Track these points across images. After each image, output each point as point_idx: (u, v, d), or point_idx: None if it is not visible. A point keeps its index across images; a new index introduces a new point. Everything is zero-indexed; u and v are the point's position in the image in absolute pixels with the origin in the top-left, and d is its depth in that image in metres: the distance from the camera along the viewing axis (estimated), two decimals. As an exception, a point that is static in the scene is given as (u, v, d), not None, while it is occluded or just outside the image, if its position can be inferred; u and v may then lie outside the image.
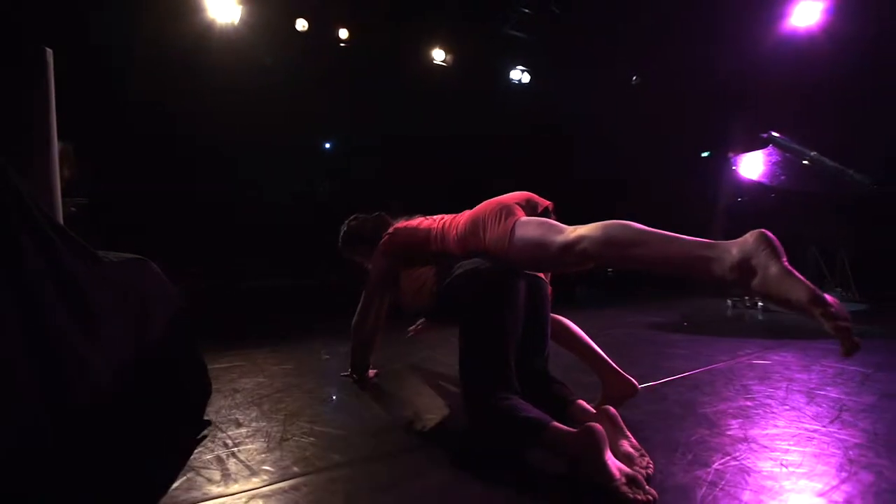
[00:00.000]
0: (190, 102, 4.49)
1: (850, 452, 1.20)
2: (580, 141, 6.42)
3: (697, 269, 1.04)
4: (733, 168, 4.04)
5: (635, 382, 1.50)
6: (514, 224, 1.37)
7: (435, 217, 1.77)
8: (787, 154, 3.80)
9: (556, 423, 1.14)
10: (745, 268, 0.96)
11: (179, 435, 1.42)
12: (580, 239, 1.20)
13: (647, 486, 0.99)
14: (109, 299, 1.25)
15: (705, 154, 7.18)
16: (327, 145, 6.99)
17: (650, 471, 1.09)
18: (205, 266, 4.98)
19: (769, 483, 1.06)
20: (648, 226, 1.15)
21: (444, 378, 2.04)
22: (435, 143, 5.92)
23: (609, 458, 1.03)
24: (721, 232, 5.48)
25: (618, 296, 4.92)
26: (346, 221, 2.07)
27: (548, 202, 1.53)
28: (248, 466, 1.24)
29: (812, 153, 3.75)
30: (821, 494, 1.01)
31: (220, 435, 1.44)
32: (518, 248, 1.34)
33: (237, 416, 1.59)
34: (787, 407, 1.55)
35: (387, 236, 1.79)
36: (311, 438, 1.41)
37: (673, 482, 1.07)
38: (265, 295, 5.34)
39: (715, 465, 1.15)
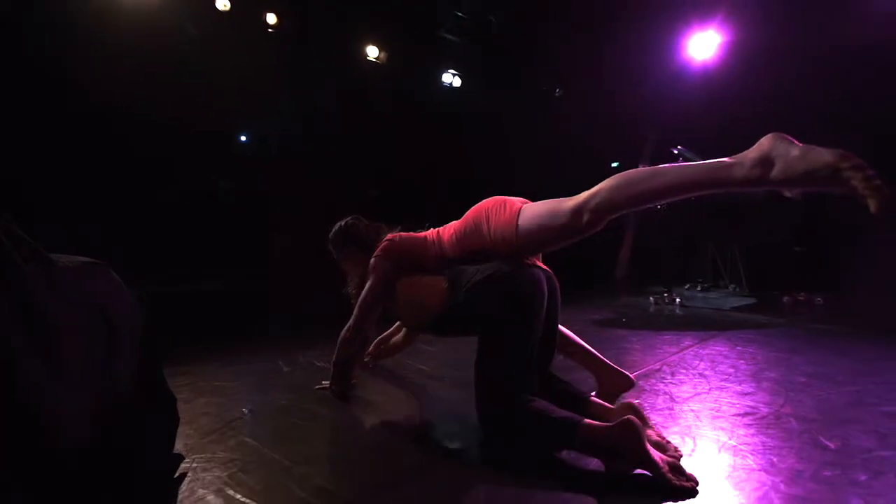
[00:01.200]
0: (86, 72, 3.81)
1: (805, 424, 1.39)
2: (503, 147, 6.70)
3: (721, 178, 1.07)
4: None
5: (631, 376, 1.60)
6: (521, 207, 1.42)
7: (426, 232, 1.74)
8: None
9: (588, 420, 1.17)
10: (766, 161, 1.02)
11: (156, 477, 1.20)
12: (593, 195, 1.24)
13: (687, 472, 1.06)
14: (71, 317, 1.01)
15: (615, 165, 7.95)
16: (243, 138, 6.43)
17: (679, 456, 1.17)
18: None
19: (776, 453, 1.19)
20: None
21: (426, 382, 1.99)
22: (360, 142, 5.75)
23: (651, 448, 1.08)
24: (631, 238, 6.11)
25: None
26: (344, 219, 1.96)
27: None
28: (250, 501, 1.08)
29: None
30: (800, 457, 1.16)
31: (204, 471, 1.24)
32: (527, 227, 1.36)
33: (213, 448, 1.39)
34: (743, 389, 1.76)
35: (386, 242, 1.71)
36: (309, 463, 1.27)
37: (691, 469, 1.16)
38: (171, 301, 4.74)
39: (716, 447, 1.26)
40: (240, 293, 4.94)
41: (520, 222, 1.38)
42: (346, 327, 1.76)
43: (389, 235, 1.75)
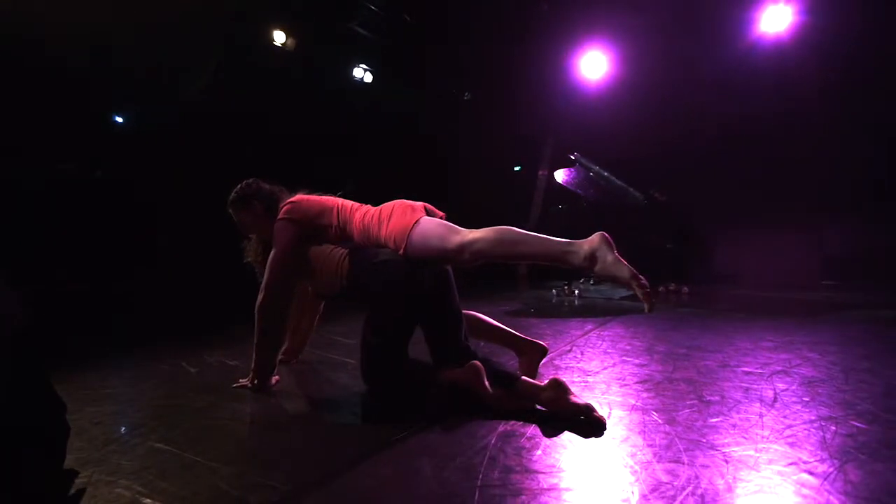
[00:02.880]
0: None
1: (691, 385, 1.66)
2: (410, 145, 6.79)
3: (562, 259, 1.43)
4: (557, 181, 4.91)
5: (544, 344, 1.81)
6: (418, 220, 1.57)
7: (334, 198, 1.83)
8: (590, 173, 4.83)
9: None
10: (592, 258, 1.39)
11: (44, 499, 1.00)
12: (476, 240, 1.49)
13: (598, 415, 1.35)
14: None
15: (517, 168, 8.49)
16: (119, 119, 5.62)
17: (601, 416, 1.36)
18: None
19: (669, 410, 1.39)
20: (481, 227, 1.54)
21: (348, 373, 1.94)
22: (255, 132, 5.39)
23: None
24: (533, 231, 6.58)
25: (459, 292, 5.38)
26: (244, 181, 1.90)
27: (441, 213, 1.70)
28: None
29: (605, 173, 4.86)
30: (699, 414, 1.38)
31: (108, 484, 1.08)
32: (415, 242, 1.54)
33: (117, 458, 1.21)
34: (640, 361, 2.02)
35: (289, 204, 1.73)
36: (237, 462, 1.18)
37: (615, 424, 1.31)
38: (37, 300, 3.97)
39: (626, 409, 1.44)
40: (113, 293, 4.32)
41: (412, 234, 1.55)
42: (259, 295, 1.68)
43: (295, 197, 1.78)
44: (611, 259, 1.37)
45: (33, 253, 3.98)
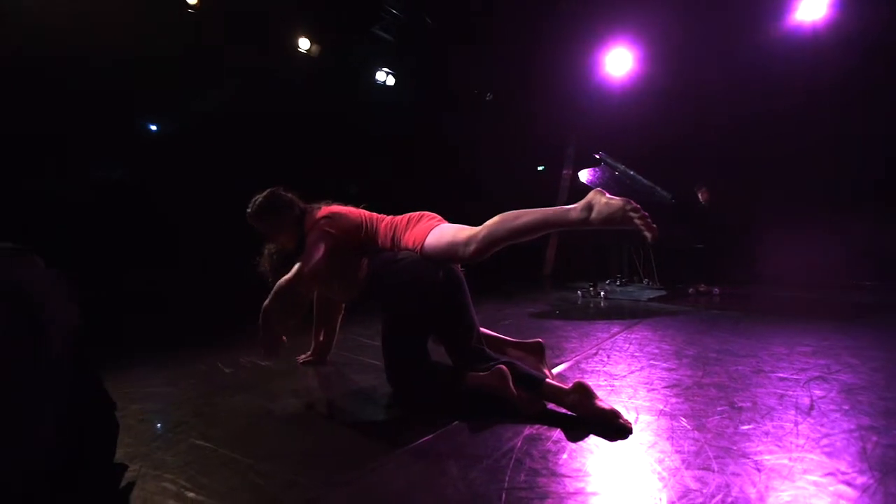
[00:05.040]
0: None
1: (722, 391, 1.62)
2: (434, 147, 6.82)
3: (562, 219, 1.48)
4: (581, 181, 4.85)
5: (539, 340, 1.83)
6: (439, 225, 1.71)
7: (359, 210, 1.93)
8: (616, 172, 4.75)
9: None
10: (587, 207, 1.44)
11: (99, 490, 1.08)
12: (481, 229, 1.58)
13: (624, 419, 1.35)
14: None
15: (540, 168, 8.41)
16: (153, 127, 5.85)
17: (627, 422, 1.35)
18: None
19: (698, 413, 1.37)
20: None
21: (375, 374, 1.98)
22: (285, 135, 5.53)
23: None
24: (557, 233, 6.50)
25: (485, 294, 5.39)
26: (265, 190, 1.92)
27: None
28: (217, 502, 1.02)
29: (630, 172, 4.77)
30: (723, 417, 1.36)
31: (155, 478, 1.15)
32: (432, 239, 1.65)
33: (161, 454, 1.28)
34: (668, 365, 1.99)
35: (325, 219, 1.78)
36: (272, 460, 1.23)
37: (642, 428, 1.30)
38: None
39: (654, 414, 1.42)
40: (154, 295, 4.52)
41: (430, 234, 1.68)
42: (285, 278, 1.65)
43: (328, 208, 1.85)
44: (604, 200, 1.41)
45: (87, 259, 4.22)
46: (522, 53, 6.16)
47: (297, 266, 1.69)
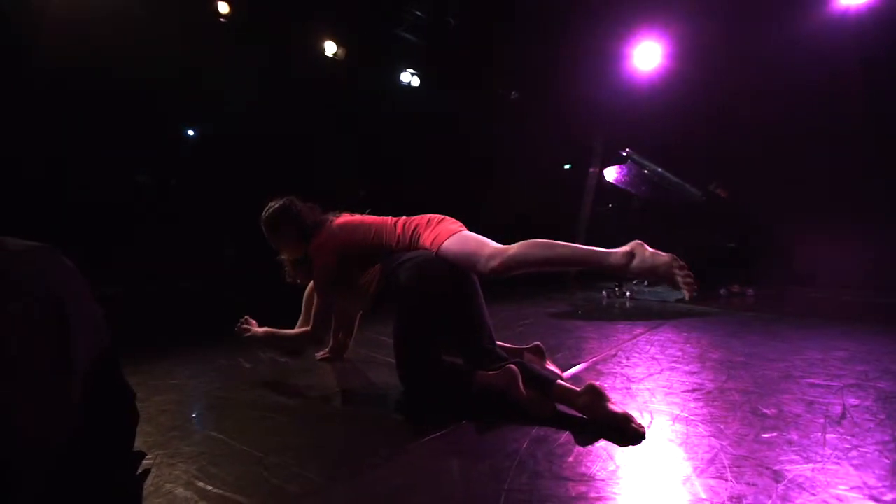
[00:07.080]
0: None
1: (745, 396, 1.54)
2: (461, 147, 6.81)
3: (600, 260, 1.47)
4: (606, 179, 4.73)
5: (538, 343, 1.81)
6: (459, 231, 1.68)
7: (372, 217, 1.90)
8: (644, 170, 4.61)
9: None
10: (629, 255, 1.43)
11: (117, 475, 1.13)
12: (510, 247, 1.55)
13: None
14: (19, 310, 0.93)
15: (567, 166, 8.27)
16: (190, 132, 6.10)
17: (640, 426, 1.29)
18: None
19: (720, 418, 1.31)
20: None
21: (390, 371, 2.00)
22: (314, 139, 5.65)
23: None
24: (584, 233, 6.37)
25: (506, 295, 5.34)
26: (279, 199, 1.92)
27: None
28: (223, 492, 1.05)
29: (659, 169, 4.61)
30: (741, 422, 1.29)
31: (170, 466, 1.19)
32: (455, 242, 1.63)
33: (177, 444, 1.33)
34: (690, 369, 1.91)
35: (331, 230, 1.80)
36: (281, 453, 1.25)
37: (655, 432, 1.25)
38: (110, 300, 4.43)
39: (670, 419, 1.37)
40: (185, 292, 4.70)
41: (454, 236, 1.66)
42: (310, 327, 1.79)
43: (338, 220, 1.84)
44: (648, 252, 1.41)
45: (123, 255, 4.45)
46: (547, 48, 6.07)
47: (310, 324, 1.81)
